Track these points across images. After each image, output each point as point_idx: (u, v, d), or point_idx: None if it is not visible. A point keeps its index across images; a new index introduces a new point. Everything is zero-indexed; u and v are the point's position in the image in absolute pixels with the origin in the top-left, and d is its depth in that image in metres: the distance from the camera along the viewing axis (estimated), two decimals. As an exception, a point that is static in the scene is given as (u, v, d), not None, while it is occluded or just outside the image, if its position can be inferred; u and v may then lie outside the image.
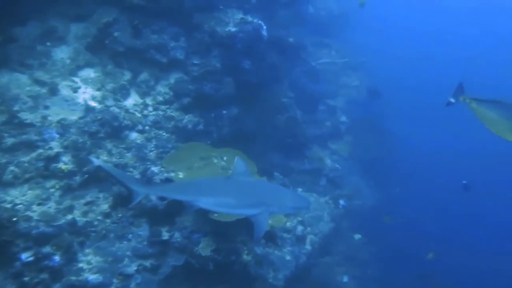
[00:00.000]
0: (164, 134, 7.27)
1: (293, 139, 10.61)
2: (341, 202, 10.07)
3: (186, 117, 7.58)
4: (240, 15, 7.80)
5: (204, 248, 6.56)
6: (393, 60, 23.23)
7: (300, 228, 8.85)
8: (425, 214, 15.79)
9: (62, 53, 6.70)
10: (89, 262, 5.58)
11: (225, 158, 7.81)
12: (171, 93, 7.53)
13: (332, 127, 12.83)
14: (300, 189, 9.93)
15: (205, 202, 5.27)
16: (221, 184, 5.58)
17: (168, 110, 7.47)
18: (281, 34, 9.46)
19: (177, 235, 6.49)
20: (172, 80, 7.56)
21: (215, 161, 7.65)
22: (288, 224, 8.67)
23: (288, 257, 8.07)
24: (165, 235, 6.45)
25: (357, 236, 11.43)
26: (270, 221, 7.40)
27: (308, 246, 8.85)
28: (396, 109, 18.08)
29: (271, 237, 7.81)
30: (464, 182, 11.25)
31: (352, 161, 13.75)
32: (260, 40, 8.18)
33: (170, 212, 6.60)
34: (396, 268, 11.60)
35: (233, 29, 7.69)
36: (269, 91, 10.00)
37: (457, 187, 12.72)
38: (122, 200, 6.19)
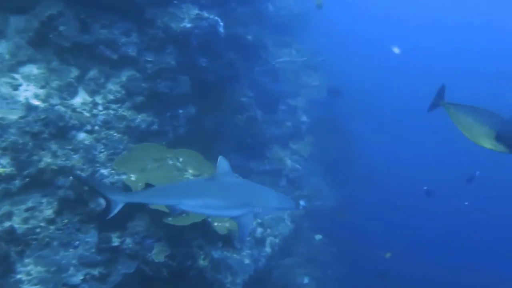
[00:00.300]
0: (115, 134, 6.89)
1: (253, 139, 10.43)
2: (302, 202, 9.96)
3: (139, 116, 7.23)
4: (196, 11, 7.53)
5: (158, 254, 6.24)
6: (353, 63, 23.44)
7: (259, 230, 8.67)
8: (383, 215, 15.95)
9: (0, 48, 6.21)
10: (28, 273, 5.15)
11: (181, 159, 7.53)
12: (123, 92, 7.15)
13: (293, 127, 12.73)
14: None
15: (188, 205, 5.08)
16: (204, 185, 5.35)
17: (119, 109, 7.09)
18: (239, 32, 9.25)
19: (128, 241, 6.14)
20: (123, 78, 7.17)
21: (170, 162, 7.35)
22: (247, 226, 8.46)
23: (247, 261, 7.86)
24: (116, 241, 6.09)
25: (318, 237, 11.37)
26: (227, 225, 7.20)
27: (267, 249, 8.68)
28: (355, 110, 18.22)
29: (229, 241, 7.57)
30: (425, 188, 11.36)
31: (313, 161, 13.72)
32: (217, 37, 7.94)
33: (122, 216, 6.26)
34: (357, 267, 11.62)
35: (188, 25, 7.42)
36: (228, 90, 9.77)
37: (414, 190, 12.92)
38: (69, 205, 5.80)
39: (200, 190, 5.28)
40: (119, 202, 4.92)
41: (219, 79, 8.90)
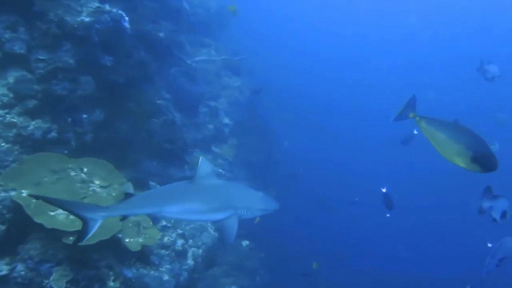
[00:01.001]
0: (2, 144, 5.96)
1: (171, 144, 9.72)
2: (225, 209, 9.43)
3: (33, 123, 6.32)
4: (96, 3, 6.75)
5: (58, 280, 5.43)
6: (274, 63, 23.41)
7: (180, 242, 8.03)
8: (310, 217, 15.89)
9: None
10: None
11: (85, 169, 6.72)
12: (11, 95, 6.20)
13: (215, 129, 12.21)
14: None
15: (171, 212, 4.89)
16: (185, 189, 5.13)
17: (7, 115, 6.15)
18: (148, 28, 8.54)
19: (20, 267, 5.27)
20: (11, 79, 6.22)
21: (73, 173, 6.53)
22: (166, 239, 7.78)
23: (166, 277, 7.20)
24: (4, 269, 5.19)
25: (245, 243, 10.93)
26: (140, 240, 6.51)
27: (190, 261, 8.06)
28: (279, 110, 18.11)
29: (144, 257, 6.87)
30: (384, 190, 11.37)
31: (238, 164, 13.31)
32: (123, 33, 7.21)
33: (11, 238, 5.38)
34: (285, 271, 11.32)
35: (87, 19, 6.61)
36: (141, 92, 9.02)
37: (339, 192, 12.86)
38: None
39: (182, 194, 5.06)
40: (98, 218, 4.49)
41: (129, 80, 8.15)
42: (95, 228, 4.50)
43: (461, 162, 3.82)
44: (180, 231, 8.22)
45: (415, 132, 9.45)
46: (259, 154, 15.14)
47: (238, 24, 16.61)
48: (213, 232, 9.06)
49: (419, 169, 21.25)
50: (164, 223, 8.03)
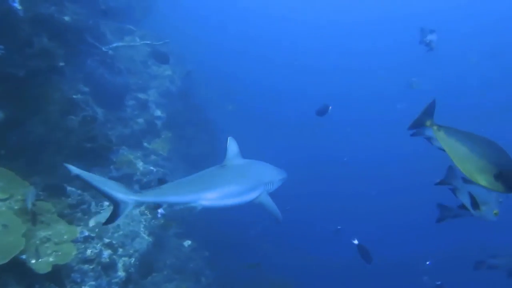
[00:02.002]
0: None
1: (93, 143, 8.67)
2: (160, 210, 8.56)
3: None
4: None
5: None
6: (209, 49, 22.37)
7: (107, 253, 7.09)
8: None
9: None
10: None
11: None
12: None
13: (145, 123, 11.19)
14: (106, 203, 8.07)
15: (209, 199, 4.78)
16: (220, 174, 5.11)
17: None
18: (51, 12, 7.39)
19: None
20: None
21: (-40, 188, 5.44)
22: (89, 252, 6.82)
23: (91, 295, 6.27)
24: None
25: (187, 243, 10.11)
26: (51, 259, 5.52)
27: (121, 273, 7.16)
28: (216, 99, 17.22)
29: (60, 277, 5.89)
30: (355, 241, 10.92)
31: (175, 159, 12.37)
32: (13, 15, 6.08)
33: None
34: (232, 267, 10.60)
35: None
36: (51, 86, 7.90)
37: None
38: None
39: (219, 179, 4.98)
40: (130, 203, 4.31)
41: (31, 73, 7.02)
42: (125, 212, 4.28)
43: (483, 180, 3.33)
44: (106, 241, 7.27)
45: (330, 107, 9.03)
46: (198, 146, 14.24)
47: (169, 7, 15.49)
48: (147, 237, 8.17)
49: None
50: (86, 233, 7.04)
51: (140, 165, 9.56)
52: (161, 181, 4.89)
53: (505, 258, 7.25)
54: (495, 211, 4.15)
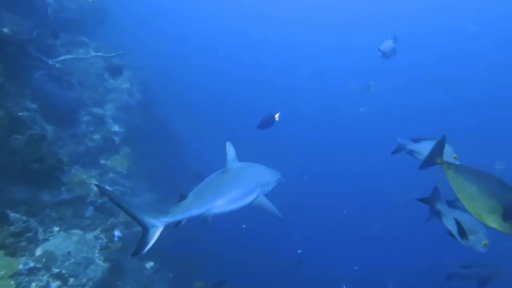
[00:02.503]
0: None
1: (41, 164, 8.03)
2: (116, 233, 8.00)
3: None
4: None
5: None
6: (168, 59, 21.71)
7: (55, 284, 6.48)
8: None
9: None
10: None
11: None
12: None
13: (102, 140, 10.58)
14: (56, 229, 7.46)
15: (218, 206, 4.95)
16: (224, 180, 5.26)
17: None
18: (-15, 23, 6.79)
19: None
20: None
21: None
22: (33, 285, 6.20)
23: (35, 336, 5.66)
24: None
25: (149, 264, 9.54)
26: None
27: (71, 306, 6.55)
28: (181, 110, 16.71)
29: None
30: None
31: (135, 175, 11.80)
32: None
33: None
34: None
35: None
36: (-10, 105, 7.28)
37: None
38: None
39: (224, 185, 5.14)
40: (159, 225, 4.33)
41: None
42: (155, 236, 4.27)
43: (492, 221, 3.15)
44: (55, 271, 6.66)
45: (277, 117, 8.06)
46: (161, 160, 13.72)
47: (125, 18, 14.93)
48: (102, 263, 7.59)
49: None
50: (31, 264, 6.43)
51: (94, 185, 8.95)
52: (183, 197, 4.84)
53: (476, 268, 7.11)
54: (484, 242, 3.98)
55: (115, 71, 11.17)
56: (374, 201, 18.43)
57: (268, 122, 7.93)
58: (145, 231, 4.27)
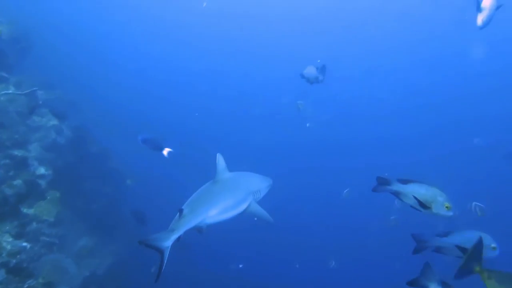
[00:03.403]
0: None
1: None
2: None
3: None
4: None
5: None
6: (104, 88, 20.37)
7: None
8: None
9: None
10: None
11: None
12: None
13: (24, 185, 9.42)
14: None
15: (211, 216, 5.13)
16: (215, 190, 5.42)
17: None
18: None
19: None
20: None
21: None
22: None
23: None
24: None
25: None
26: None
27: None
28: (121, 143, 15.58)
29: None
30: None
31: (69, 221, 10.70)
32: None
33: None
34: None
35: None
36: None
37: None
38: None
39: (215, 196, 5.32)
40: (170, 244, 4.66)
41: None
42: (167, 253, 4.59)
43: None
44: None
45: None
46: (98, 201, 12.61)
47: (49, 50, 13.81)
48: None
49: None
50: None
51: (8, 242, 7.79)
52: (181, 211, 4.99)
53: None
54: (446, 205, 4.13)
55: (31, 108, 10.02)
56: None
57: (155, 145, 7.25)
58: (162, 254, 4.55)
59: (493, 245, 4.16)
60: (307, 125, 14.22)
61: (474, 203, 8.20)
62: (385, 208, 11.34)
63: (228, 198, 5.34)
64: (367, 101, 28.59)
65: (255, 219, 5.62)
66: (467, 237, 4.16)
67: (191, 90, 28.49)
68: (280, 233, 15.44)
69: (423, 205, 4.16)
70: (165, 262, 4.57)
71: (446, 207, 4.18)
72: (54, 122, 11.30)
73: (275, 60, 32.34)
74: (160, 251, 4.57)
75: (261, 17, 33.44)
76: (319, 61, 7.79)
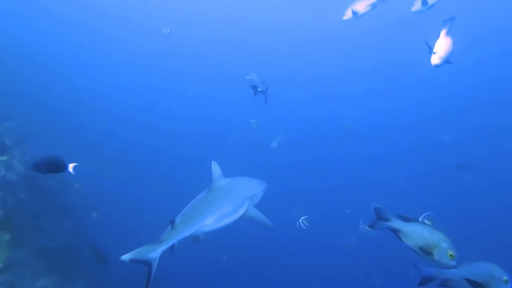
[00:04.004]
0: None
1: None
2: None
3: None
4: None
5: None
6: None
7: None
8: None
9: None
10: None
11: None
12: None
13: (-32, 231, 8.71)
14: None
15: (208, 224, 5.07)
16: (211, 199, 5.37)
17: None
18: None
19: None
20: None
21: None
22: None
23: None
24: None
25: None
26: None
27: None
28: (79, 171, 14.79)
29: None
30: None
31: (23, 264, 10.01)
32: None
33: None
34: None
35: None
36: None
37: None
38: None
39: (211, 204, 5.30)
40: (158, 256, 4.58)
41: None
42: (155, 265, 4.52)
43: None
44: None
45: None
46: (57, 237, 11.90)
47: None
48: None
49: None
50: None
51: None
52: (172, 222, 4.87)
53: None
54: (450, 253, 3.84)
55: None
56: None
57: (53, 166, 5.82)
58: (149, 266, 4.45)
59: (505, 277, 3.88)
60: (271, 145, 13.94)
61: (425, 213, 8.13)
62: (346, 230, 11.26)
63: (224, 205, 5.31)
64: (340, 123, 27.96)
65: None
66: (476, 269, 3.92)
67: (152, 111, 27.77)
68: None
69: (424, 250, 3.86)
70: (153, 274, 4.49)
71: (450, 255, 3.89)
72: (4, 157, 10.58)
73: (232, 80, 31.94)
74: (148, 264, 4.48)
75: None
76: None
